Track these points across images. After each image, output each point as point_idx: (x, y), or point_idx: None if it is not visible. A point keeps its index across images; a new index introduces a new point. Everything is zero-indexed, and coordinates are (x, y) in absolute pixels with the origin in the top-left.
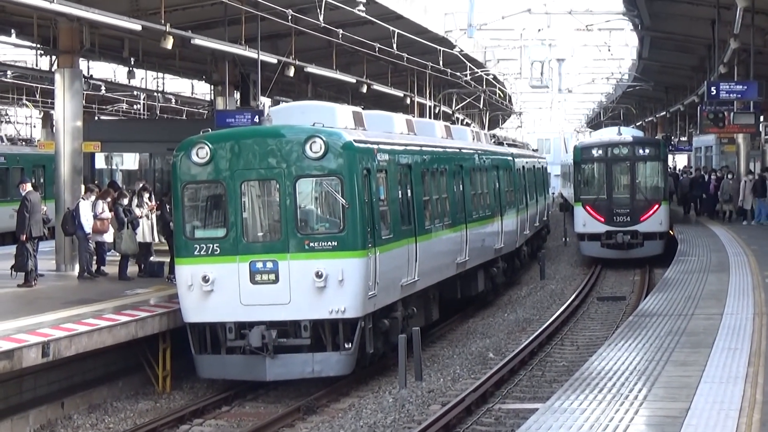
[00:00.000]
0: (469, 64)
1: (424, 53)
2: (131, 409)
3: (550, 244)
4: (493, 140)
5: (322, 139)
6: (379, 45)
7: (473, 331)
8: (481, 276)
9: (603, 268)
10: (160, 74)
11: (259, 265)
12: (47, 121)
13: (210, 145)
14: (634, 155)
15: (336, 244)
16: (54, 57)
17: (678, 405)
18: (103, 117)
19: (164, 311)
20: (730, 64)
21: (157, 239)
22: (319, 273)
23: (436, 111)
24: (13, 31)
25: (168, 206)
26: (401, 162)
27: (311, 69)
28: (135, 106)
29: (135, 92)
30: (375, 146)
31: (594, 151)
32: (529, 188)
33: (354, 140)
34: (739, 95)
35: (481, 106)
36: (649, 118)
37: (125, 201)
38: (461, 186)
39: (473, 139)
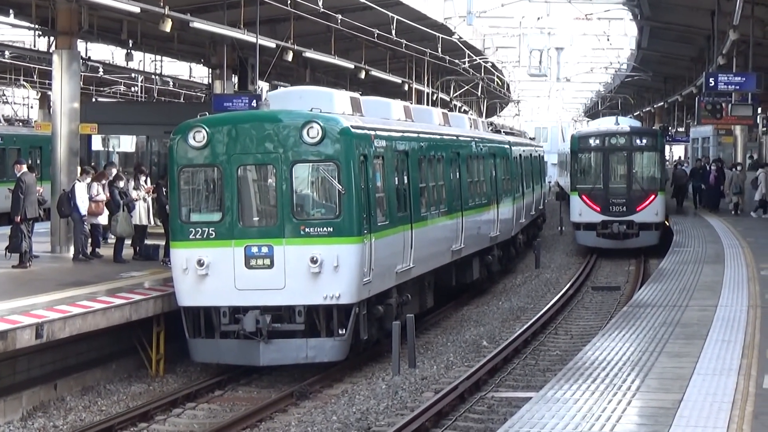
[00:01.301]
0: (467, 51)
1: (422, 40)
2: (124, 391)
3: (545, 232)
4: (490, 128)
5: (319, 124)
6: (378, 31)
7: (467, 318)
8: (476, 264)
9: (598, 257)
10: (159, 57)
11: (255, 249)
12: (44, 102)
13: (207, 129)
14: (631, 145)
15: (332, 229)
16: (52, 38)
17: (671, 396)
18: (100, 99)
19: (159, 294)
20: (729, 55)
21: (152, 222)
22: (315, 258)
23: (434, 98)
24: (11, 11)
25: (164, 189)
26: (398, 148)
27: (310, 54)
28: (133, 89)
29: (133, 74)
30: (372, 132)
31: (591, 141)
32: (526, 177)
33: (351, 126)
34: (738, 87)
35: (479, 93)
36: (647, 109)
37: (121, 183)
38: (458, 173)
39: (471, 126)
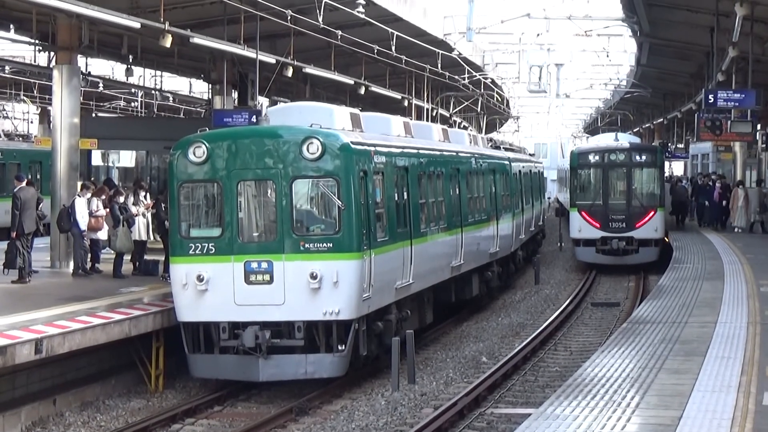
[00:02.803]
0: (467, 67)
1: (422, 56)
2: (123, 407)
3: (545, 248)
4: (490, 144)
5: (319, 140)
6: (377, 47)
7: (467, 334)
8: (475, 280)
9: (598, 273)
10: (158, 72)
11: (254, 265)
12: (44, 117)
13: (207, 145)
14: (630, 161)
15: (331, 245)
16: (52, 53)
17: (670, 413)
18: (100, 114)
19: (158, 310)
20: (729, 71)
21: (152, 237)
22: (314, 274)
23: (434, 114)
24: (12, 26)
25: (163, 204)
26: (398, 164)
27: (310, 69)
28: (132, 104)
29: (133, 90)
30: (372, 148)
31: (591, 157)
32: (526, 193)
33: (351, 142)
34: (737, 103)
35: (479, 109)
36: (647, 125)
37: (121, 199)
38: (457, 189)
39: (470, 142)
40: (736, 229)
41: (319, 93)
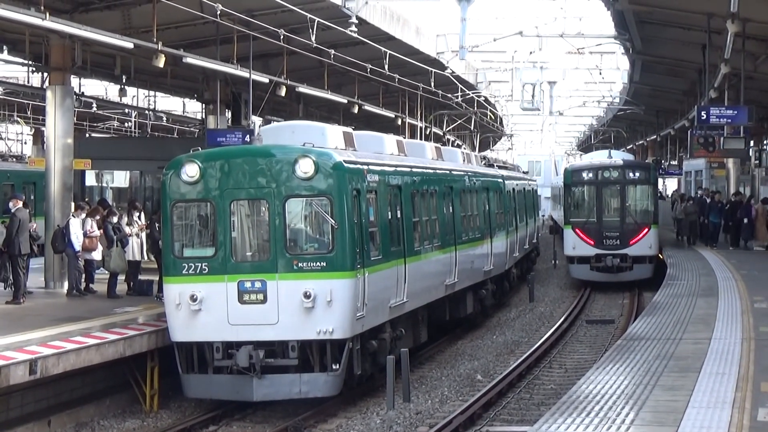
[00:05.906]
0: (460, 85)
1: (415, 74)
2: (118, 427)
3: (539, 266)
4: (483, 162)
5: (312, 159)
6: (370, 66)
7: (462, 353)
8: (470, 298)
9: (592, 291)
10: (152, 92)
11: (248, 284)
12: (38, 137)
13: (200, 164)
14: (624, 178)
15: (325, 264)
16: (45, 74)
17: (666, 430)
18: (94, 134)
19: (152, 330)
20: (721, 88)
21: (146, 257)
22: (308, 293)
23: (427, 132)
24: (5, 47)
25: (157, 224)
26: (391, 183)
27: (303, 89)
28: (126, 124)
29: (126, 110)
30: (365, 167)
31: (584, 174)
32: (519, 210)
33: (344, 161)
34: (730, 120)
35: (472, 127)
36: (640, 142)
37: (115, 219)
38: (451, 207)
39: (464, 160)
40: (756, 248)
41: (313, 112)
